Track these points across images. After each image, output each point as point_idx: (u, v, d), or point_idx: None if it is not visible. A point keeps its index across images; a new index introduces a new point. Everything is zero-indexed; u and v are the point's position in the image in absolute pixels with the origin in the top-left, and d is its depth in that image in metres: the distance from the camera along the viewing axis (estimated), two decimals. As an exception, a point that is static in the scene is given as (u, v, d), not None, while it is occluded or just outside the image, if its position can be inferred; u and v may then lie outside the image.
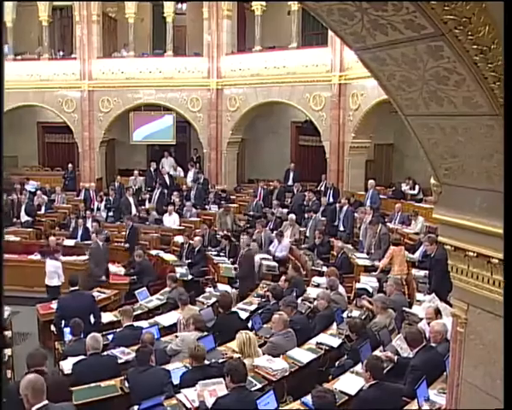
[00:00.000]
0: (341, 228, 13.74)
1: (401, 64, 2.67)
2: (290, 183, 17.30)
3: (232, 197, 17.72)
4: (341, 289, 9.05)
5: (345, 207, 13.84)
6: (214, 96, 18.60)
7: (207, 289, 9.98)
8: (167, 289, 9.66)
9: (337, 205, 14.29)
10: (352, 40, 2.76)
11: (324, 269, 10.55)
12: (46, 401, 4.39)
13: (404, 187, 15.41)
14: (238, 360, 6.09)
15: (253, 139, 19.79)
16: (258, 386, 6.02)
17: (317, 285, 9.89)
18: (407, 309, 8.01)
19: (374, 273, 10.46)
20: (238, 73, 18.33)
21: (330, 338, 7.36)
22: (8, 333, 8.35)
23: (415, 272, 10.16)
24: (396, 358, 6.46)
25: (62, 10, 21.61)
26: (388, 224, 13.03)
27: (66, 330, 7.22)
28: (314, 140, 18.42)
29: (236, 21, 19.03)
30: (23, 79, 19.86)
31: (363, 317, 7.92)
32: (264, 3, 17.64)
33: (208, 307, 8.74)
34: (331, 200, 15.28)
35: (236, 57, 18.52)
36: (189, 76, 18.86)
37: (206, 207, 16.53)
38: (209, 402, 5.34)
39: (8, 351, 7.41)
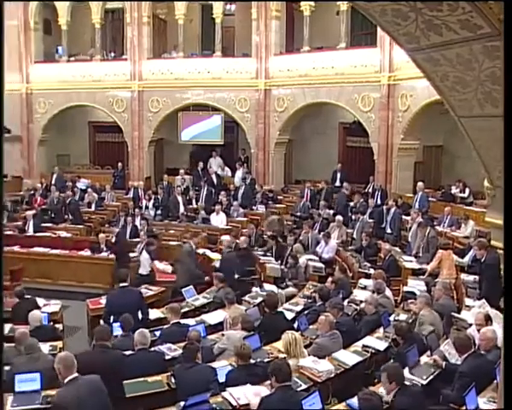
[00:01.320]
0: (388, 230, 13.58)
1: (455, 65, 2.64)
2: (337, 184, 17.20)
3: (279, 198, 17.75)
4: (388, 292, 8.95)
5: (392, 210, 13.68)
6: (262, 96, 18.65)
7: (253, 289, 10.01)
8: (214, 288, 9.74)
9: (384, 207, 14.14)
10: (405, 41, 2.73)
11: (371, 271, 10.46)
12: (76, 374, 5.16)
13: (454, 190, 15.10)
14: (282, 359, 6.10)
15: (300, 140, 19.75)
16: (304, 387, 6.02)
17: (364, 287, 9.81)
18: (455, 314, 7.86)
19: (422, 277, 10.29)
20: (286, 74, 18.32)
21: (376, 341, 7.28)
22: (59, 326, 8.58)
23: (464, 276, 9.96)
24: (444, 363, 6.36)
25: (114, 12, 22.08)
26: (437, 227, 12.82)
27: (115, 325, 7.35)
28: (362, 141, 18.24)
29: (285, 22, 19.03)
30: (76, 79, 20.42)
31: (410, 321, 7.81)
32: (312, 3, 17.60)
33: (254, 306, 8.77)
34: (379, 202, 15.13)
35: (284, 58, 18.52)
36: (238, 76, 18.97)
37: (254, 207, 16.59)
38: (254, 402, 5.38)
39: (59, 343, 7.62)
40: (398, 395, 5.39)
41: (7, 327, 8.08)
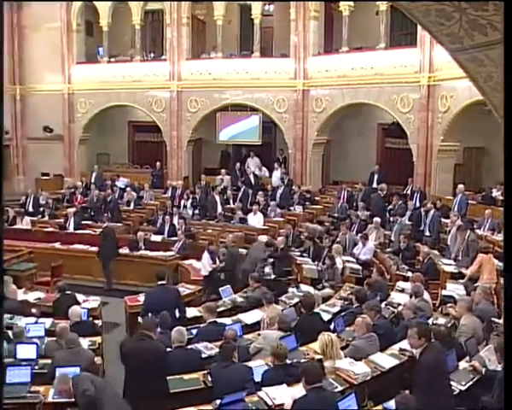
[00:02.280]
0: (427, 233, 13.41)
1: (499, 65, 2.59)
2: (374, 185, 17.05)
3: (316, 198, 17.70)
4: (426, 295, 8.82)
5: (431, 212, 13.51)
6: (300, 97, 18.63)
7: (290, 290, 10.00)
8: (250, 288, 9.77)
9: (422, 209, 13.96)
10: (448, 41, 2.70)
11: (409, 274, 10.34)
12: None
13: (495, 192, 14.79)
14: (313, 361, 6.10)
15: (338, 141, 19.65)
16: (339, 388, 5.99)
17: (402, 290, 9.71)
18: (496, 320, 7.71)
19: (461, 281, 10.13)
20: (324, 74, 18.26)
21: (414, 345, 7.19)
22: (98, 322, 8.73)
23: (505, 281, 9.73)
24: (483, 369, 6.25)
25: (154, 14, 22.35)
26: (477, 230, 12.59)
27: (153, 322, 7.43)
28: (401, 142, 18.05)
29: (323, 22, 18.96)
30: (116, 79, 20.75)
31: (448, 325, 7.70)
32: (352, 3, 17.49)
33: (291, 307, 8.77)
34: (417, 204, 14.94)
35: (323, 58, 18.46)
36: (276, 77, 18.98)
37: (291, 207, 16.57)
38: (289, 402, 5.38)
39: (98, 339, 7.75)
40: (426, 351, 5.39)
41: (48, 321, 8.28)
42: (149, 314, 7.60)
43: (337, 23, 18.86)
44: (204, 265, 11.45)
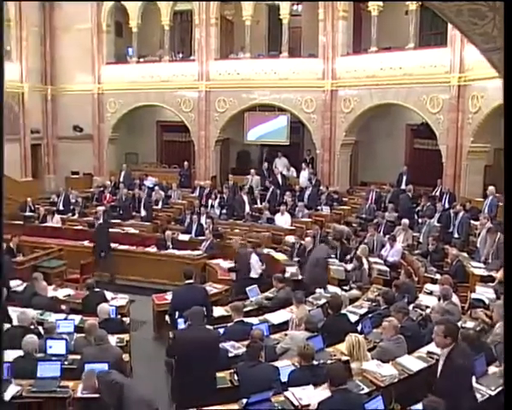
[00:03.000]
0: (456, 235, 13.23)
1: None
2: (403, 186, 16.90)
3: (344, 199, 17.62)
4: (455, 298, 8.71)
5: (460, 214, 13.33)
6: (328, 97, 18.58)
7: (317, 290, 9.97)
8: (275, 288, 9.77)
9: (452, 211, 13.79)
10: (482, 41, 2.68)
11: (437, 277, 10.22)
12: None
13: (527, 194, 14.52)
14: (339, 362, 6.08)
15: (366, 141, 19.53)
16: (366, 390, 5.96)
17: (430, 293, 9.60)
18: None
19: (491, 284, 9.96)
20: (353, 75, 18.18)
21: (442, 348, 7.12)
22: (126, 320, 8.82)
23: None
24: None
25: (182, 14, 22.51)
26: (508, 233, 12.35)
27: (180, 320, 7.48)
28: (430, 143, 17.86)
29: (352, 22, 18.88)
30: (145, 80, 20.96)
31: (477, 328, 7.60)
32: (381, 3, 17.37)
33: (318, 307, 8.75)
34: (446, 205, 14.77)
35: (351, 58, 18.39)
36: (304, 77, 18.96)
37: (318, 208, 16.52)
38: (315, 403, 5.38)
39: (126, 336, 7.84)
40: (452, 352, 5.39)
41: (77, 318, 8.40)
42: (177, 313, 7.67)
43: (366, 23, 18.76)
44: (253, 266, 11.38)
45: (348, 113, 18.35)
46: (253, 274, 11.37)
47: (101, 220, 14.83)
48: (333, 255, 12.20)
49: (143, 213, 16.49)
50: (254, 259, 11.45)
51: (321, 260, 11.10)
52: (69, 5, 21.76)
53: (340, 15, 18.31)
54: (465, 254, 11.87)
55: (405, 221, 13.36)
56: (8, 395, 5.92)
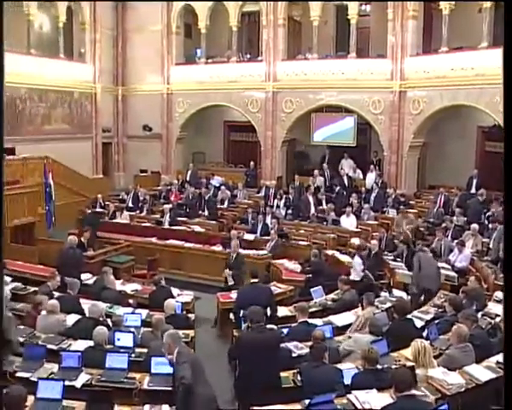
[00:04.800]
0: (529, 241, 12.72)
1: None
2: (473, 190, 16.41)
3: (411, 202, 17.27)
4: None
5: (534, 220, 12.81)
6: (397, 98, 18.29)
7: (382, 294, 9.84)
8: (339, 290, 9.70)
9: (525, 217, 13.26)
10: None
11: (509, 284, 9.86)
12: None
13: None
14: (403, 367, 5.97)
15: (435, 143, 19.09)
16: (431, 398, 5.82)
17: (500, 301, 9.28)
18: None
19: None
20: (422, 75, 17.82)
21: (513, 358, 6.87)
22: (191, 316, 8.96)
23: None
24: None
25: (250, 15, 22.68)
26: None
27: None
28: (502, 146, 17.21)
29: (422, 21, 18.50)
30: (213, 80, 21.24)
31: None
32: (452, 2, 16.95)
33: (382, 311, 8.63)
34: (520, 211, 14.21)
35: (421, 59, 18.03)
36: (372, 78, 18.75)
37: (385, 210, 16.29)
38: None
39: (191, 332, 7.96)
40: None
41: (144, 312, 8.61)
42: (241, 311, 7.74)
43: (436, 22, 18.33)
44: (355, 269, 11.29)
45: (417, 114, 18.00)
46: (355, 277, 11.23)
47: (167, 218, 15.21)
48: (398, 259, 12.04)
49: (207, 212, 16.71)
50: (357, 262, 11.38)
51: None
52: (141, 7, 22.38)
53: (409, 15, 17.98)
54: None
55: (475, 226, 12.97)
56: (79, 383, 6.17)
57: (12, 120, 18.31)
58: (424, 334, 7.60)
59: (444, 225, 13.75)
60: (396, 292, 9.99)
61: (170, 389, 6.06)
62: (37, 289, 9.43)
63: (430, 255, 10.75)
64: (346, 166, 19.56)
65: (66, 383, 5.92)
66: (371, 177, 18.49)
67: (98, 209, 17.24)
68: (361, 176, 19.53)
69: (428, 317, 8.65)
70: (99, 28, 21.86)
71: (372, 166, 18.96)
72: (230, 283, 10.75)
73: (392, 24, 18.28)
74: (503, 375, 2.59)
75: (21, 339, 7.27)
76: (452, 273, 11.07)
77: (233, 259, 11.33)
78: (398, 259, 12.06)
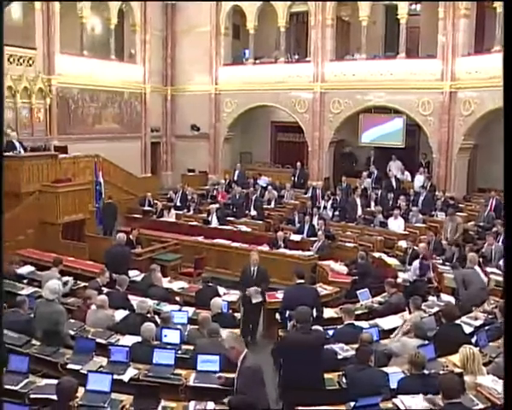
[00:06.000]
0: None
1: None
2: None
3: (460, 206, 16.91)
4: None
5: None
6: (447, 99, 17.95)
7: (430, 298, 9.68)
8: (386, 293, 9.60)
9: None
10: None
11: None
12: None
13: None
14: (451, 373, 5.86)
15: (486, 145, 18.62)
16: (480, 406, 5.70)
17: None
18: None
19: None
20: (474, 76, 17.43)
21: None
22: (237, 315, 9.02)
23: None
24: None
25: (298, 16, 22.61)
26: None
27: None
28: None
29: (474, 20, 18.10)
30: (261, 81, 21.27)
31: None
32: (507, 0, 16.51)
33: (430, 315, 8.49)
34: None
35: (473, 58, 17.65)
36: (421, 78, 18.46)
37: (433, 213, 16.02)
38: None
39: (237, 331, 7.99)
40: None
41: (190, 310, 8.71)
42: (287, 312, 7.75)
43: (489, 21, 17.89)
44: (413, 271, 11.21)
45: (468, 115, 17.63)
46: (409, 277, 11.18)
47: (214, 217, 15.38)
48: (447, 263, 11.82)
49: (253, 212, 16.77)
50: (415, 267, 11.24)
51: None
52: (190, 9, 22.65)
53: (461, 13, 17.62)
54: None
55: (528, 231, 12.60)
56: (126, 377, 6.31)
57: (65, 120, 18.81)
58: (473, 340, 7.45)
59: (495, 229, 13.41)
60: (444, 297, 9.81)
61: (215, 386, 6.13)
62: (87, 284, 9.67)
63: (474, 270, 10.42)
64: (394, 167, 19.31)
65: (115, 376, 6.05)
66: (420, 179, 18.22)
67: (146, 207, 17.53)
68: (409, 178, 19.27)
69: (477, 323, 8.45)
70: (149, 30, 22.21)
71: (421, 169, 18.67)
72: (257, 300, 9.65)
73: (443, 23, 17.95)
74: (504, 376, 2.53)
75: (72, 332, 7.47)
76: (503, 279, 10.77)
77: (254, 273, 9.88)
78: (447, 263, 11.86)
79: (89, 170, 16.66)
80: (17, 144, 14.79)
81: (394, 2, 19.15)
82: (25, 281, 10.18)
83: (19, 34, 16.58)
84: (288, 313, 7.73)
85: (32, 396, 5.84)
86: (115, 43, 21.03)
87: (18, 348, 6.84)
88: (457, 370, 6.26)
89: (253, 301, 9.59)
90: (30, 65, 17.12)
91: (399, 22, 18.76)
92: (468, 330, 8.01)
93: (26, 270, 10.71)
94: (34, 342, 7.10)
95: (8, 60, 16.29)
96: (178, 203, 17.92)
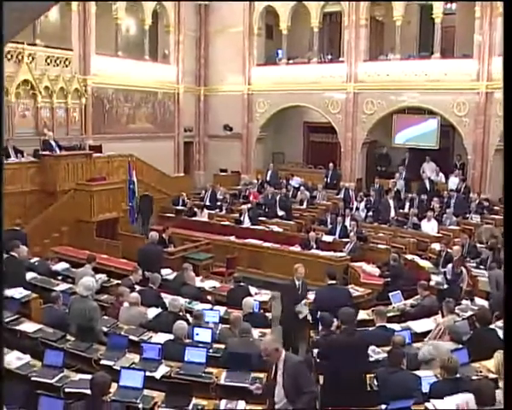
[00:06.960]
0: None
1: None
2: None
3: (495, 208, 16.60)
4: None
5: None
6: (483, 99, 17.68)
7: (463, 302, 9.54)
8: (419, 296, 9.49)
9: None
10: None
11: None
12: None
13: None
14: (485, 379, 5.77)
15: (523, 147, 18.30)
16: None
17: None
18: None
19: None
20: (511, 76, 17.09)
21: None
22: (268, 315, 9.03)
23: None
24: None
25: (332, 16, 22.49)
26: None
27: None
28: None
29: (513, 20, 17.76)
30: (293, 81, 21.26)
31: None
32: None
33: (463, 319, 8.37)
34: None
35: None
36: (457, 79, 18.21)
37: (467, 216, 15.78)
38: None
39: (268, 331, 8.02)
40: None
41: (222, 309, 8.75)
42: (319, 312, 7.73)
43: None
44: (447, 274, 11.11)
45: (505, 116, 17.30)
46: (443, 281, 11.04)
47: (246, 217, 15.44)
48: (481, 266, 11.63)
49: (280, 212, 16.79)
50: (449, 269, 11.10)
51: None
52: (223, 9, 22.73)
53: (498, 12, 17.31)
54: None
55: None
56: (158, 374, 6.38)
57: (99, 120, 19.08)
58: (508, 345, 7.31)
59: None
60: (478, 300, 9.65)
61: (246, 385, 6.15)
62: (119, 281, 9.80)
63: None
64: (428, 169, 19.05)
65: (147, 373, 6.14)
66: (454, 181, 17.97)
67: (180, 207, 17.67)
68: (443, 180, 19.00)
69: (513, 327, 8.30)
70: (182, 30, 22.37)
71: (456, 171, 18.41)
72: (304, 315, 8.92)
73: (480, 22, 17.69)
74: (503, 375, 2.48)
75: (105, 329, 7.59)
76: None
77: (300, 288, 9.13)
78: (482, 266, 11.66)
79: (122, 169, 16.89)
80: (53, 144, 15.09)
81: (429, 2, 18.92)
82: (59, 277, 10.37)
83: (56, 36, 16.86)
84: (319, 313, 7.70)
85: (66, 390, 5.96)
86: (149, 43, 21.24)
87: (53, 343, 6.98)
88: (492, 375, 6.15)
89: (301, 316, 8.95)
90: (66, 66, 17.39)
91: (434, 22, 18.55)
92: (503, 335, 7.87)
93: (60, 266, 10.92)
94: (69, 337, 7.24)
95: (46, 61, 16.61)
96: (208, 203, 18.01)
